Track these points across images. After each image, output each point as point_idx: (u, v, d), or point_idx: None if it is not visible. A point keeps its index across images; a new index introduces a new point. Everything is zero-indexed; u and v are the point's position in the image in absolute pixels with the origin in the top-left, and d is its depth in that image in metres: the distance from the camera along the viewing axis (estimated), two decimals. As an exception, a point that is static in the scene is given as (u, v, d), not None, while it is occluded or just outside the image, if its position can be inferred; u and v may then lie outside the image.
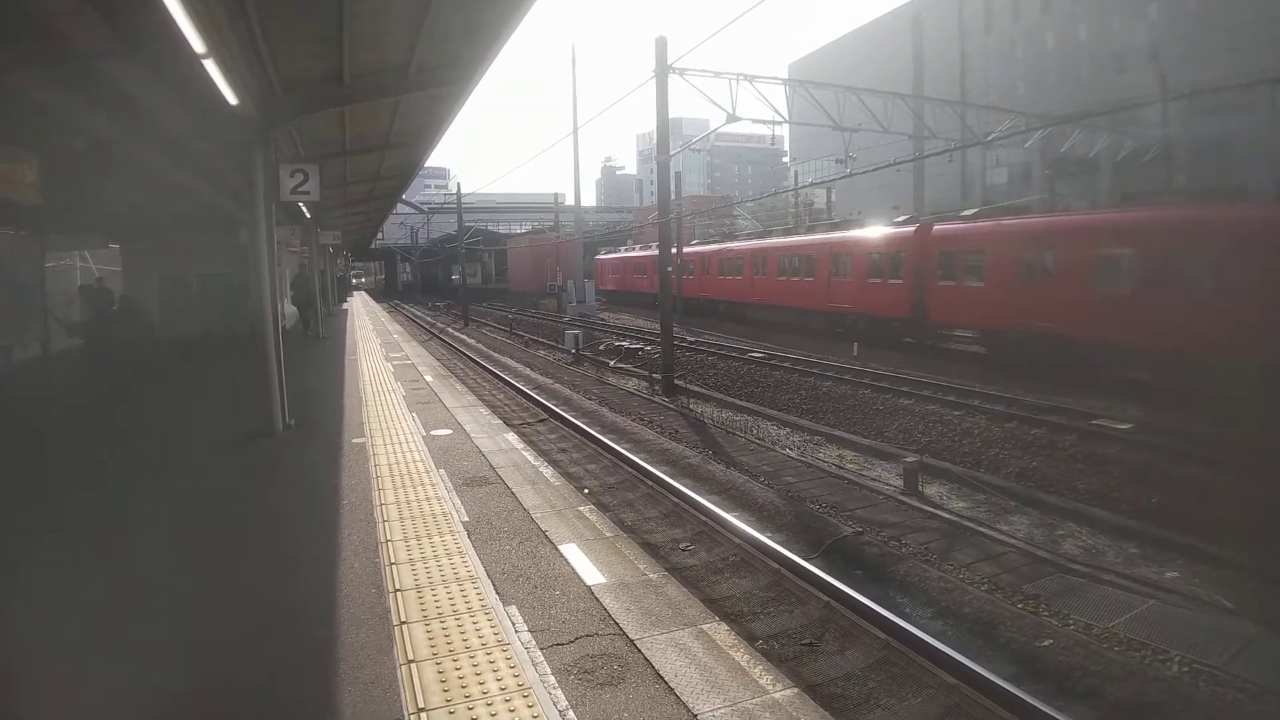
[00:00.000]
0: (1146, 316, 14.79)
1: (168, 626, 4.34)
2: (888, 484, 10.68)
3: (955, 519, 9.11)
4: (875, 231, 24.88)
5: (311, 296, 22.77)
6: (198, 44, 5.82)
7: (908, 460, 10.79)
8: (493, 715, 3.36)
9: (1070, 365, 16.54)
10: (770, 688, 3.70)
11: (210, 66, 6.45)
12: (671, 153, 19.34)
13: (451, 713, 3.38)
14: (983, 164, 56.08)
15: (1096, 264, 16.33)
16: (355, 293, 67.71)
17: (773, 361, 21.04)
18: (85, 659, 3.92)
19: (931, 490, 10.37)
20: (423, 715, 3.36)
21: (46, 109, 9.22)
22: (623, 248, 55.80)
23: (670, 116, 19.03)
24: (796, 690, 3.73)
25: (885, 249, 23.84)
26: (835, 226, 29.11)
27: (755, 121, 23.92)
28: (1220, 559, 7.85)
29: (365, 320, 33.41)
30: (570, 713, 3.45)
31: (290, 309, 23.23)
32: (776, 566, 7.43)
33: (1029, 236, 18.94)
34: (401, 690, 3.57)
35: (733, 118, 21.43)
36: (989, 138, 24.68)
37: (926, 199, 61.61)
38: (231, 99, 7.48)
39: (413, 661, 3.82)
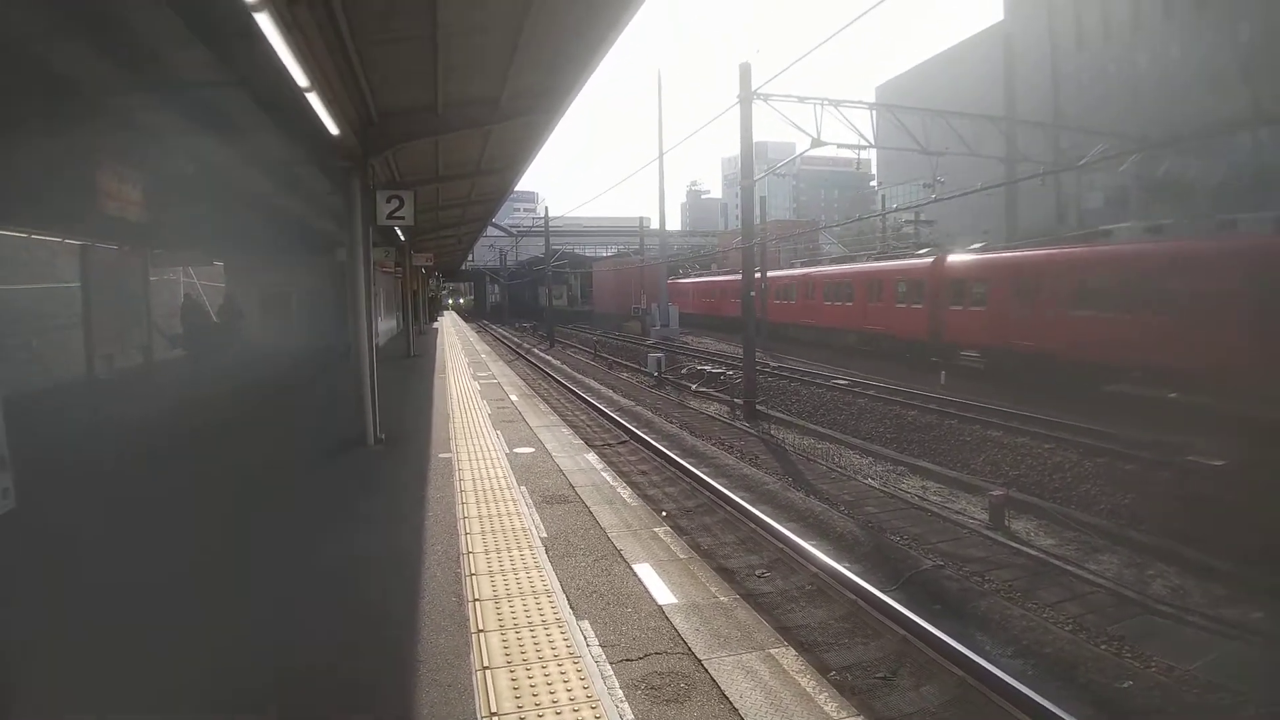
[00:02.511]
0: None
1: (265, 618, 4.64)
2: (972, 518, 10.39)
3: (1042, 556, 8.80)
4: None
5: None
6: (300, 78, 6.23)
7: (994, 494, 10.48)
8: (561, 725, 3.47)
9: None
10: (835, 716, 3.70)
11: (313, 99, 6.87)
12: (756, 178, 19.40)
13: (522, 719, 3.50)
14: (1078, 187, 54.09)
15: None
16: (445, 313, 69.66)
17: (856, 389, 20.73)
18: (179, 634, 4.21)
19: (1018, 525, 10.04)
20: (495, 720, 3.50)
21: (156, 133, 9.93)
22: (692, 272, 56.38)
23: (755, 141, 19.12)
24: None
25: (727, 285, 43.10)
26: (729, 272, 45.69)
27: (840, 146, 23.73)
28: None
29: (454, 339, 34.40)
30: (636, 726, 3.53)
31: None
32: (853, 597, 7.34)
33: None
34: (476, 695, 3.72)
35: (818, 142, 21.35)
36: (1080, 163, 23.87)
37: (1020, 222, 59.82)
38: (333, 129, 7.94)
39: (488, 668, 3.98)
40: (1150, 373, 15.76)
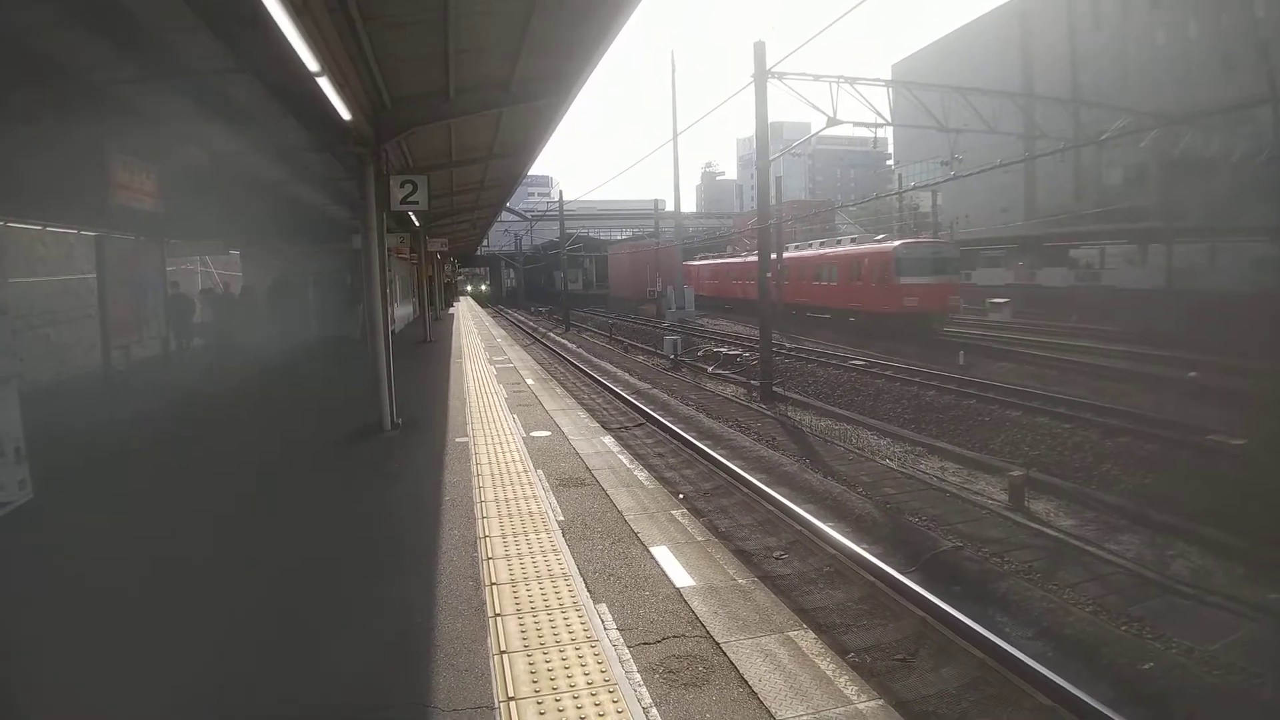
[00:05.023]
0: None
1: (280, 603, 4.70)
2: (992, 498, 10.31)
3: (1062, 537, 8.72)
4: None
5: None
6: (311, 63, 6.18)
7: (1013, 474, 10.39)
8: (579, 708, 3.46)
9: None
10: (855, 698, 3.67)
11: (324, 84, 6.83)
12: (771, 158, 19.22)
13: (539, 704, 3.50)
14: (1097, 164, 53.32)
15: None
16: (461, 298, 69.80)
17: (874, 370, 20.61)
18: (211, 621, 4.26)
19: (1038, 506, 9.95)
20: (512, 704, 3.50)
21: (168, 122, 9.92)
22: (706, 255, 56.63)
23: (770, 121, 18.93)
24: (881, 703, 3.69)
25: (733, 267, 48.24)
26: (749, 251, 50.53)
27: (857, 125, 23.47)
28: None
29: (470, 324, 34.47)
30: (654, 710, 3.51)
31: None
32: (871, 579, 7.30)
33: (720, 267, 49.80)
34: (493, 679, 3.72)
35: (833, 121, 21.12)
36: (1101, 138, 23.47)
37: (1039, 200, 59.02)
38: (345, 114, 7.90)
39: (505, 652, 3.98)
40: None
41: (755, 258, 40.78)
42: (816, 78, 20.68)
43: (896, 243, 30.28)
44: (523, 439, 9.54)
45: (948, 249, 32.02)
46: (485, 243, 68.22)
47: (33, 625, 4.38)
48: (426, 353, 20.80)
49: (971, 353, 22.65)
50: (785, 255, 37.84)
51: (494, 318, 48.83)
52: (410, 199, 10.29)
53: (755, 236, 35.53)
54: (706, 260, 54.22)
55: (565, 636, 4.17)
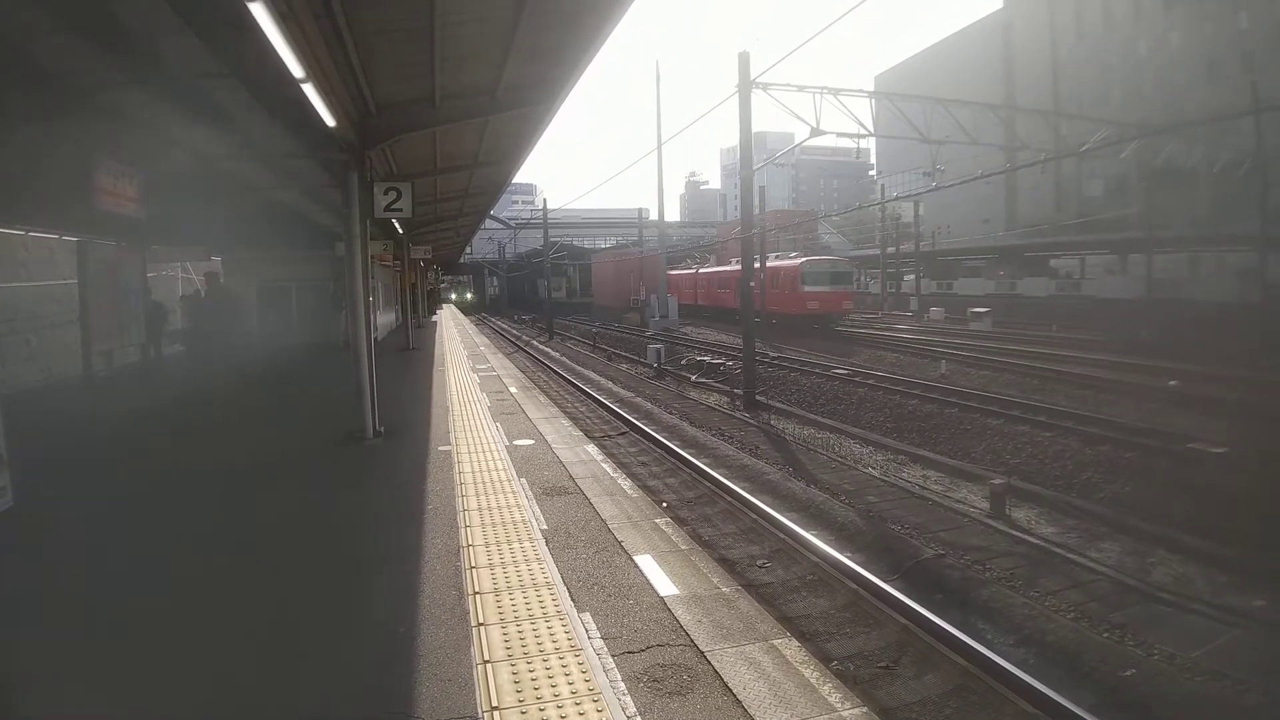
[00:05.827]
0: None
1: (260, 613, 4.65)
2: (973, 506, 10.36)
3: (1043, 544, 8.78)
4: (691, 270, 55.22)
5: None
6: (296, 69, 6.16)
7: (994, 482, 10.44)
8: (563, 718, 3.45)
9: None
10: (839, 706, 3.68)
11: (309, 90, 6.80)
12: (755, 168, 19.30)
13: (523, 713, 3.48)
14: (1078, 175, 53.93)
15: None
16: (444, 306, 69.57)
17: (857, 378, 20.70)
18: (192, 625, 4.21)
19: (1020, 514, 10.02)
20: (496, 714, 3.48)
21: (151, 126, 9.85)
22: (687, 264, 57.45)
23: (754, 131, 19.01)
24: (865, 710, 3.71)
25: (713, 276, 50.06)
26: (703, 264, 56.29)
27: (840, 135, 23.62)
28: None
29: (454, 332, 34.34)
30: (638, 719, 3.50)
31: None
32: (855, 587, 7.32)
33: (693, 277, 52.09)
34: (477, 689, 3.70)
35: (817, 131, 21.25)
36: (1082, 149, 23.74)
37: (1020, 211, 59.59)
38: (329, 120, 7.86)
39: (489, 662, 3.95)
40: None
41: (728, 268, 42.60)
42: (800, 88, 20.81)
43: (802, 259, 38.79)
44: (506, 447, 9.51)
45: (843, 264, 41.85)
46: (469, 250, 68.04)
47: (11, 630, 4.31)
48: (409, 360, 20.70)
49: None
50: (727, 269, 42.25)
51: (477, 325, 48.71)
52: (394, 206, 10.26)
53: (735, 246, 36.54)
54: (688, 270, 54.57)
55: (549, 645, 4.15)
